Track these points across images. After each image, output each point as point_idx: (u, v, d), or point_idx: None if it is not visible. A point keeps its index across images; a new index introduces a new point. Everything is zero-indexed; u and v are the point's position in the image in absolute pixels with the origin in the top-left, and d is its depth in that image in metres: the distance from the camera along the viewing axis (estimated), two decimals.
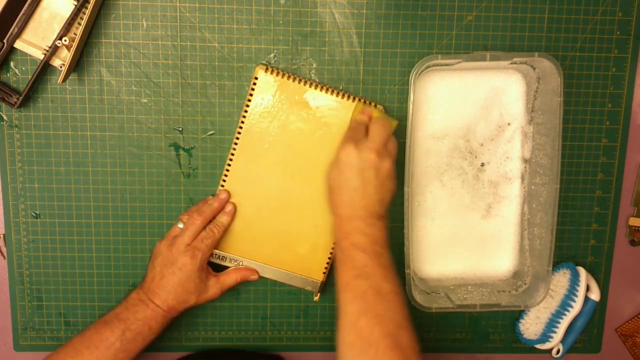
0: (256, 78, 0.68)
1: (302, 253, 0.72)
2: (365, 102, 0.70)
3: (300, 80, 0.69)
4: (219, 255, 0.72)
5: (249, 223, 0.71)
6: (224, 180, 0.71)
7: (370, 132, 0.64)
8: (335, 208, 0.64)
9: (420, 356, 0.57)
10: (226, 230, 0.71)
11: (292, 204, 0.71)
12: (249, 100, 0.69)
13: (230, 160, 0.70)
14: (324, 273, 0.73)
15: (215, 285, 0.70)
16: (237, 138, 0.70)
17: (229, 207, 0.71)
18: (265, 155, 0.70)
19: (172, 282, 0.67)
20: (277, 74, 0.68)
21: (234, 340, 0.77)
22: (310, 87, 0.69)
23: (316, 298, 0.74)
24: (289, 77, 0.69)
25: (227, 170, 0.70)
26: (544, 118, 0.70)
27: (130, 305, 0.67)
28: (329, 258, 0.72)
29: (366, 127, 0.66)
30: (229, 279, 0.71)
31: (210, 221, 0.70)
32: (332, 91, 0.69)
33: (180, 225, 0.69)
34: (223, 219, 0.70)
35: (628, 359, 0.82)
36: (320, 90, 0.69)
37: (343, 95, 0.69)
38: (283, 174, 0.70)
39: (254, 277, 0.72)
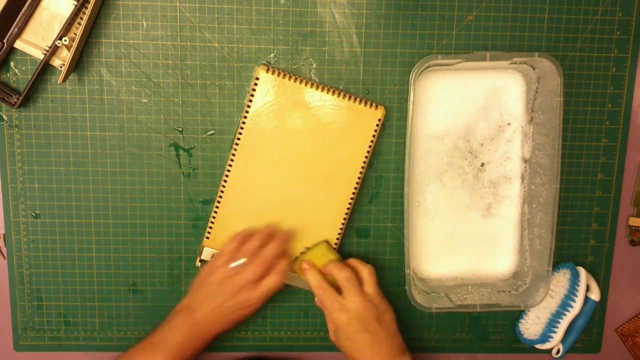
0: (257, 78, 0.68)
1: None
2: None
3: (300, 81, 0.69)
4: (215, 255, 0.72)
5: (249, 223, 0.71)
6: (225, 181, 0.71)
7: (343, 287, 0.67)
8: None
9: None
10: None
11: (293, 204, 0.71)
12: (250, 101, 0.69)
13: (232, 160, 0.70)
14: None
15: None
16: (238, 138, 0.70)
17: (281, 237, 0.70)
18: (266, 155, 0.70)
19: (222, 307, 0.68)
20: (278, 74, 0.68)
21: (234, 340, 0.77)
22: (310, 87, 0.69)
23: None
24: (289, 78, 0.69)
25: (229, 171, 0.71)
26: (544, 118, 0.70)
27: (177, 333, 0.67)
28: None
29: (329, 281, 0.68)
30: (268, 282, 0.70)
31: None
32: (332, 91, 0.69)
33: (237, 263, 0.69)
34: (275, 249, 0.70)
35: (628, 359, 0.82)
36: (321, 91, 0.69)
37: (343, 95, 0.69)
38: (283, 174, 0.70)
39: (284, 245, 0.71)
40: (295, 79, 0.69)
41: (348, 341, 0.66)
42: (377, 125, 0.70)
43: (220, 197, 0.71)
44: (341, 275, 0.67)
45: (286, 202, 0.71)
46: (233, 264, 0.68)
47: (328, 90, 0.69)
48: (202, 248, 0.73)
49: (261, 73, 0.68)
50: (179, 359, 0.65)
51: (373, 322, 0.65)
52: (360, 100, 0.70)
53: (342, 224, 0.72)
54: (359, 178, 0.71)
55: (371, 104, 0.70)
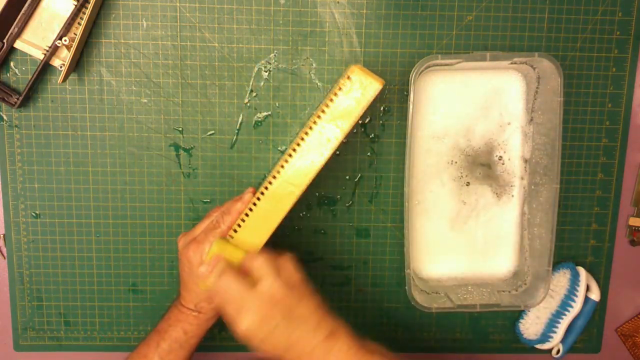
0: (349, 78, 0.59)
1: None
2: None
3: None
4: None
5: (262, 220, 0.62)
6: (274, 177, 0.61)
7: (256, 273, 0.57)
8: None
9: None
10: (235, 220, 0.62)
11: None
12: (335, 95, 0.59)
13: (289, 156, 0.60)
14: None
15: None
16: (310, 129, 0.60)
17: (246, 196, 0.62)
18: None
19: (184, 279, 0.63)
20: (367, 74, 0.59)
21: (234, 340, 0.77)
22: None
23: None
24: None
25: (289, 158, 0.60)
26: (544, 118, 0.71)
27: (165, 316, 0.65)
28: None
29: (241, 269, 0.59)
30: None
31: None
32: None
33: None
34: (236, 205, 0.62)
35: (628, 359, 0.82)
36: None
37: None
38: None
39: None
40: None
41: (263, 336, 0.56)
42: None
43: (255, 204, 0.61)
44: (255, 263, 0.58)
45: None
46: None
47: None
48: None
49: (356, 71, 0.59)
50: (175, 339, 0.63)
51: (282, 308, 0.56)
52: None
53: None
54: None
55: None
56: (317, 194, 0.74)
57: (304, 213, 0.74)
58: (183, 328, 0.63)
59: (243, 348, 0.78)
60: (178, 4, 0.69)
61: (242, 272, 0.59)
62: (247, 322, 0.56)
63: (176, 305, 0.65)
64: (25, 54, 0.68)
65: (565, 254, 0.77)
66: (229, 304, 0.57)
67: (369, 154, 0.73)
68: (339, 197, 0.74)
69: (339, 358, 0.56)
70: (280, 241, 0.66)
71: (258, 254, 0.59)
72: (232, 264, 0.60)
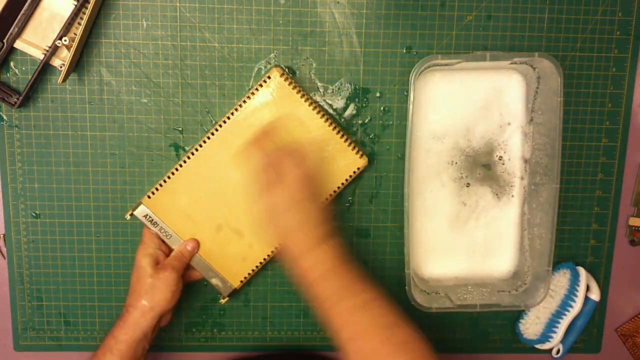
0: (269, 77, 0.68)
1: (230, 255, 0.71)
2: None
3: (306, 99, 0.69)
4: (153, 220, 0.70)
5: (194, 204, 0.70)
6: (192, 154, 0.69)
7: (285, 166, 0.63)
8: (287, 254, 0.63)
9: (421, 344, 0.57)
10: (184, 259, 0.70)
11: (241, 207, 0.70)
12: (252, 94, 0.69)
13: (207, 138, 0.69)
14: (241, 282, 0.72)
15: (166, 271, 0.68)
16: (224, 121, 0.69)
17: (190, 245, 0.71)
18: (237, 151, 0.68)
19: (132, 283, 0.67)
20: (290, 83, 0.68)
21: (234, 340, 0.77)
22: (311, 108, 0.69)
23: (223, 301, 0.74)
24: (298, 91, 0.68)
25: (200, 146, 0.69)
26: (544, 118, 0.70)
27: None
28: (252, 271, 0.72)
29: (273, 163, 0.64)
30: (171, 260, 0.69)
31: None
32: (330, 123, 0.69)
33: None
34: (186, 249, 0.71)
35: (628, 359, 0.82)
36: (320, 117, 0.69)
37: (337, 130, 0.69)
38: (243, 175, 0.68)
39: (189, 247, 0.71)
40: (302, 95, 0.68)
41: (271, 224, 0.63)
42: (354, 172, 0.71)
43: (181, 166, 0.69)
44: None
45: (235, 201, 0.70)
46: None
47: (327, 119, 0.69)
48: (140, 204, 0.70)
49: (275, 74, 0.68)
50: (112, 348, 0.65)
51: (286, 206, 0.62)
52: (350, 143, 0.70)
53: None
54: None
55: (358, 151, 0.70)
56: None
57: None
58: (113, 334, 0.65)
59: (226, 348, 0.78)
60: (178, 4, 0.69)
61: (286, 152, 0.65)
62: (262, 204, 0.63)
63: (124, 308, 0.67)
64: (25, 54, 0.68)
65: (565, 254, 0.77)
66: (258, 185, 0.63)
67: (369, 154, 0.73)
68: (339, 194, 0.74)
69: (320, 255, 0.61)
70: None
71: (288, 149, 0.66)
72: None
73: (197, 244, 0.71)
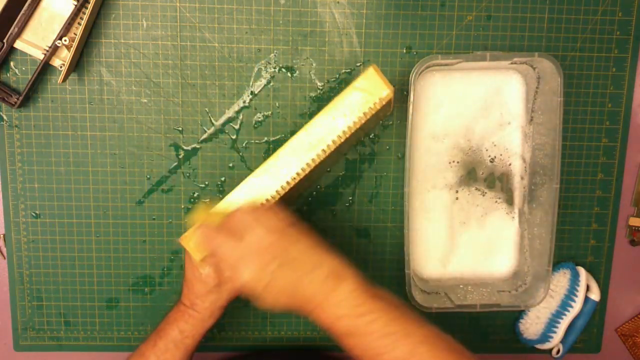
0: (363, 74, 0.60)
1: None
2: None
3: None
4: None
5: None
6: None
7: (240, 226, 0.56)
8: (306, 309, 0.55)
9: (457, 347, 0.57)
10: None
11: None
12: (345, 88, 0.61)
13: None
14: None
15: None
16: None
17: None
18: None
19: (187, 275, 0.63)
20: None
21: (234, 340, 0.77)
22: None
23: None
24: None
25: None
26: (544, 118, 0.70)
27: (166, 315, 0.65)
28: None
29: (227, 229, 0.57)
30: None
31: None
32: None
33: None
34: None
35: (628, 359, 0.82)
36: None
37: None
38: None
39: None
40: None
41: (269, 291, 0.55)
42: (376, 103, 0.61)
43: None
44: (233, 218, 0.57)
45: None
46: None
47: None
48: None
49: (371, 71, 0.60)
50: (172, 339, 0.63)
51: (280, 259, 0.54)
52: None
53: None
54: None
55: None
56: (314, 192, 0.74)
57: (304, 213, 0.74)
58: (179, 327, 0.63)
59: (241, 347, 0.78)
60: (178, 4, 0.69)
61: (227, 231, 0.57)
62: (245, 274, 0.55)
63: (177, 304, 0.65)
64: (25, 54, 0.68)
65: (565, 254, 0.77)
66: (224, 263, 0.56)
67: (369, 154, 0.73)
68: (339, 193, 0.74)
69: (341, 300, 0.53)
70: None
71: (235, 210, 0.58)
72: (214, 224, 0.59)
73: None
